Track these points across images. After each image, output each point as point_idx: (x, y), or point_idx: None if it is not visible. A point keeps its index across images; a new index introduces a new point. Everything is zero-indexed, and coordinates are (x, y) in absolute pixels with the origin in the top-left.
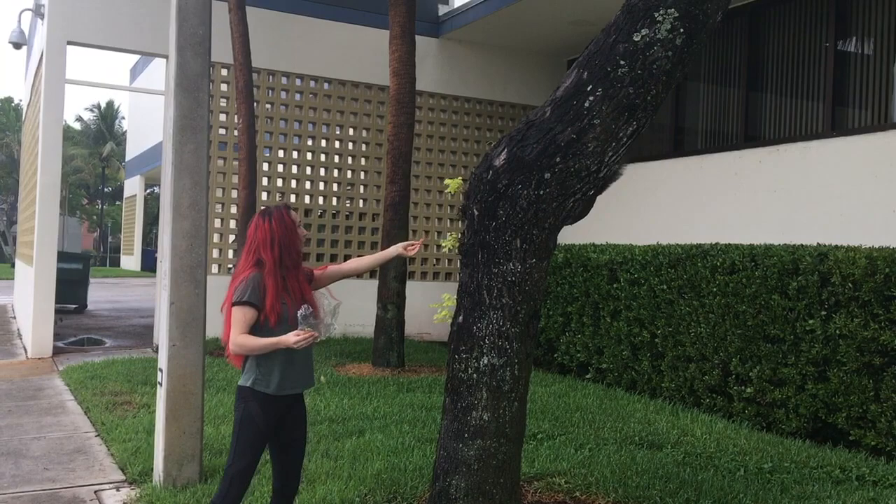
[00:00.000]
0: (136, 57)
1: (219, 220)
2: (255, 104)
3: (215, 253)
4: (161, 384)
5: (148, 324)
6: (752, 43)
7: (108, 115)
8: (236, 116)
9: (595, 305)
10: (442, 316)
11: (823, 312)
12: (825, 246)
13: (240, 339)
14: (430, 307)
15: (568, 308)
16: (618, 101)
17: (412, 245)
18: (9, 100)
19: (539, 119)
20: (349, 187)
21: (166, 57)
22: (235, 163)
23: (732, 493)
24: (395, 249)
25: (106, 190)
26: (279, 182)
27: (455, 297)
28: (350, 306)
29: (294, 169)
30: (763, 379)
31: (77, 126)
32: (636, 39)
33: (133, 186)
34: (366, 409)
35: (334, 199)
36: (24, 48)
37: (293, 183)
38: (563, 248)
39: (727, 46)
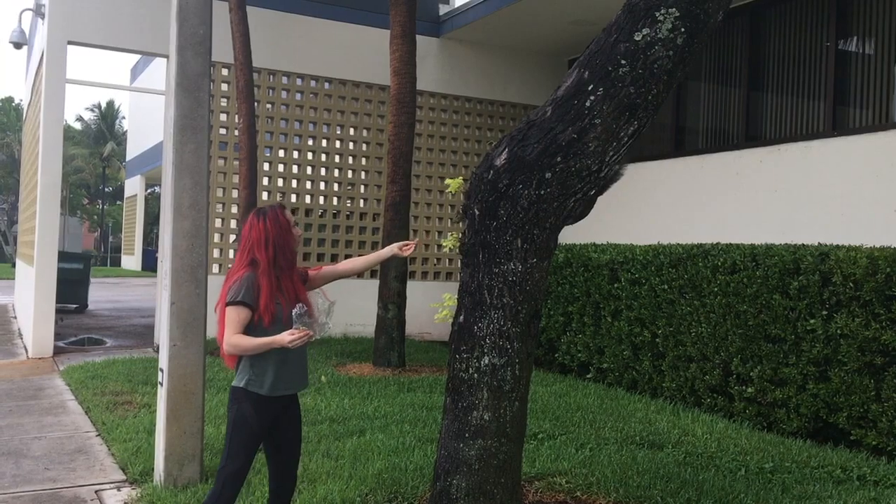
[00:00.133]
0: (137, 57)
1: (219, 219)
2: (255, 104)
3: (216, 253)
4: (162, 384)
5: (149, 324)
6: (752, 42)
7: (108, 114)
8: (237, 116)
9: (596, 305)
10: (443, 316)
11: (824, 312)
12: (826, 246)
13: (234, 339)
14: (431, 307)
15: (569, 308)
16: (619, 101)
17: (407, 245)
18: (9, 99)
19: (540, 119)
20: (350, 187)
21: (167, 57)
22: (236, 162)
23: (733, 492)
24: (391, 250)
25: (106, 190)
26: (280, 182)
27: (456, 296)
28: (351, 306)
29: (295, 169)
30: (764, 379)
31: (78, 126)
32: (637, 39)
33: (134, 186)
34: (367, 409)
35: (335, 199)
36: (25, 48)
37: (294, 183)
38: (564, 247)
39: (728, 46)
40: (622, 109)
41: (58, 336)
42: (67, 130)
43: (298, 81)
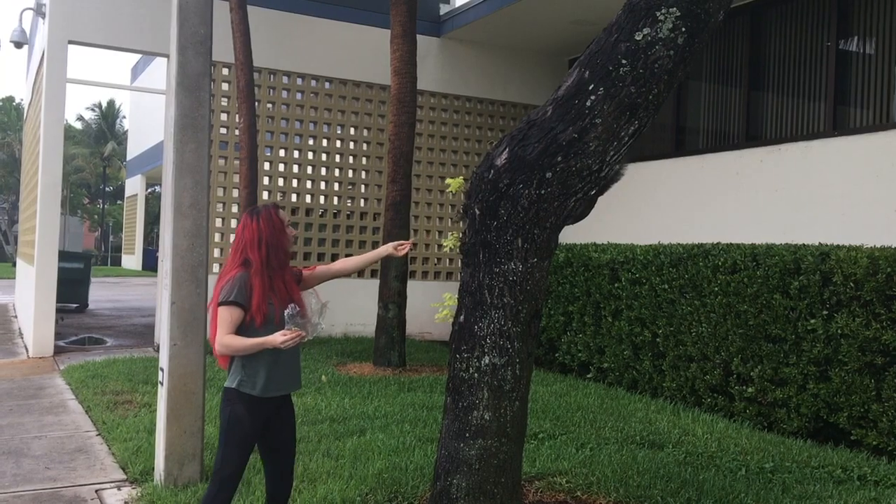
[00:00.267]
0: (138, 56)
1: (220, 219)
2: (256, 103)
3: (216, 252)
4: (162, 383)
5: (149, 323)
6: (753, 42)
7: (109, 114)
8: (237, 116)
9: (596, 305)
10: (443, 315)
11: (825, 312)
12: (827, 245)
13: (226, 340)
14: (432, 306)
15: (569, 307)
16: (619, 101)
17: (402, 245)
18: (10, 99)
19: (540, 118)
20: (350, 187)
21: (167, 56)
22: (236, 162)
23: (734, 492)
24: (385, 249)
25: (107, 189)
26: (280, 181)
27: (456, 296)
28: (351, 306)
29: (295, 168)
30: (764, 378)
31: (78, 125)
32: (638, 38)
33: (134, 186)
34: (367, 409)
35: (335, 199)
36: (26, 47)
37: (294, 182)
38: (565, 247)
39: (729, 46)
40: (623, 109)
41: (58, 335)
42: (68, 130)
43: (299, 81)
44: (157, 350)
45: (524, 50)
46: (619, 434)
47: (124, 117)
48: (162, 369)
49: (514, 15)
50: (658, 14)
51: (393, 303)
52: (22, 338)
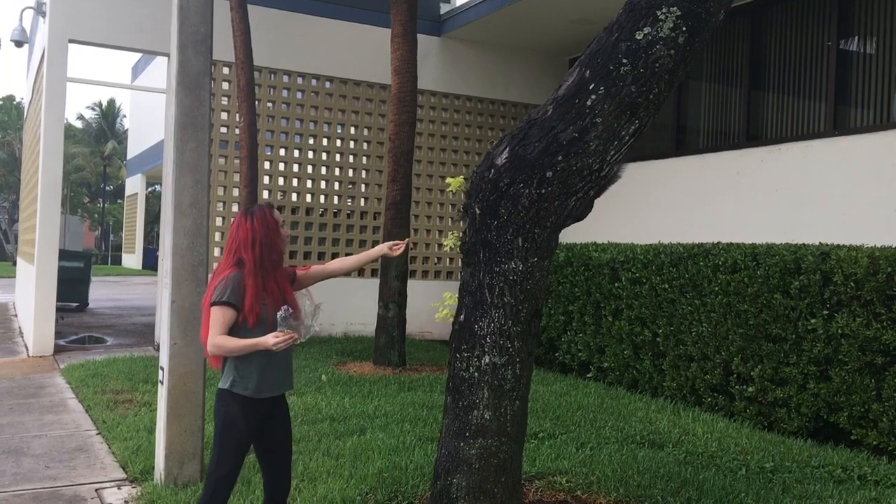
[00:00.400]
0: (138, 55)
1: (220, 218)
2: (256, 102)
3: (216, 251)
4: (162, 382)
5: (149, 322)
6: (754, 42)
7: (109, 113)
8: (238, 115)
9: (596, 304)
10: (443, 315)
11: (825, 312)
12: (827, 245)
13: (218, 340)
14: (432, 306)
15: (569, 307)
16: (620, 100)
17: (397, 245)
18: (10, 98)
19: (541, 117)
20: (350, 186)
21: (168, 55)
22: (237, 161)
23: (734, 492)
24: (381, 249)
25: (107, 188)
26: (280, 181)
27: (456, 295)
28: (351, 305)
29: (295, 167)
30: (765, 378)
31: (79, 124)
32: (638, 38)
33: (134, 185)
34: (367, 408)
35: (335, 198)
36: (26, 46)
37: (294, 181)
38: (565, 246)
39: (729, 45)
40: (623, 108)
41: (58, 334)
42: (68, 129)
43: (299, 80)
44: (158, 349)
45: (525, 49)
46: (619, 433)
47: (125, 116)
48: (162, 368)
49: (515, 14)
50: (659, 13)
51: (393, 302)
52: (22, 337)
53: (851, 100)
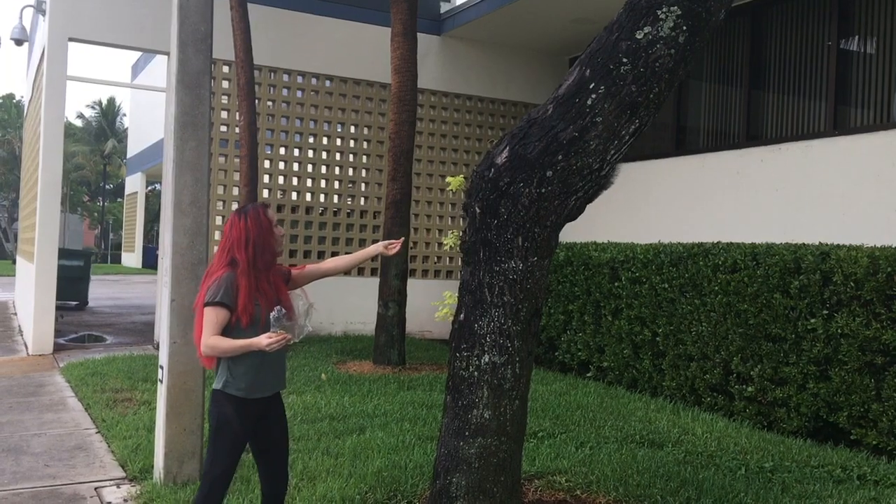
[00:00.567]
0: (138, 54)
1: (220, 217)
2: (256, 101)
3: (216, 250)
4: (162, 381)
5: (149, 321)
6: (754, 41)
7: (109, 111)
8: (238, 113)
9: (596, 304)
10: (443, 314)
11: (825, 311)
12: (827, 245)
13: (211, 341)
14: (432, 305)
15: (569, 306)
16: (620, 99)
17: (392, 244)
18: (10, 96)
19: (541, 117)
20: (350, 185)
21: (168, 54)
22: (237, 160)
23: (733, 491)
24: (376, 249)
25: (107, 187)
26: (280, 179)
27: (456, 294)
28: (351, 304)
29: (295, 166)
30: (764, 378)
31: (78, 123)
32: (639, 37)
33: (134, 183)
34: (366, 407)
35: (335, 197)
36: (26, 45)
37: (294, 180)
38: (565, 246)
39: (729, 45)
40: (623, 108)
41: (58, 333)
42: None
43: (299, 79)
44: (157, 348)
45: (525, 48)
46: (618, 433)
47: (124, 115)
48: (161, 367)
49: (515, 13)
50: (659, 13)
51: (393, 301)
52: (22, 335)
53: (851, 100)
